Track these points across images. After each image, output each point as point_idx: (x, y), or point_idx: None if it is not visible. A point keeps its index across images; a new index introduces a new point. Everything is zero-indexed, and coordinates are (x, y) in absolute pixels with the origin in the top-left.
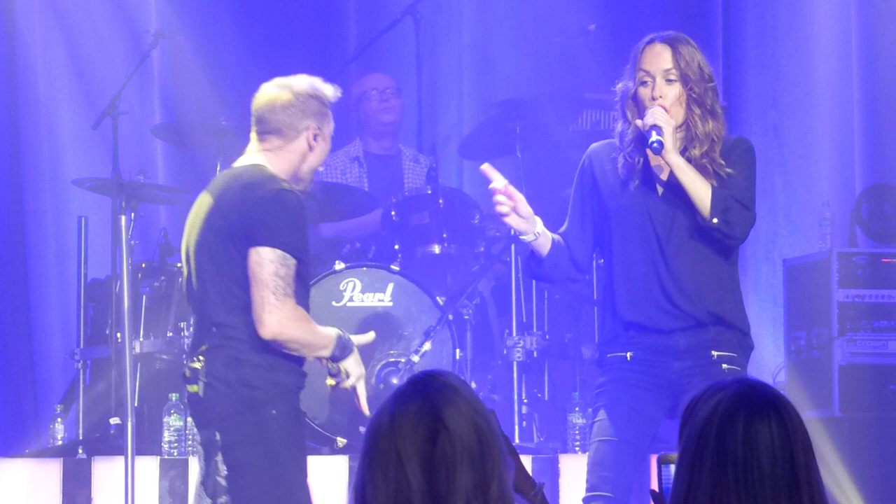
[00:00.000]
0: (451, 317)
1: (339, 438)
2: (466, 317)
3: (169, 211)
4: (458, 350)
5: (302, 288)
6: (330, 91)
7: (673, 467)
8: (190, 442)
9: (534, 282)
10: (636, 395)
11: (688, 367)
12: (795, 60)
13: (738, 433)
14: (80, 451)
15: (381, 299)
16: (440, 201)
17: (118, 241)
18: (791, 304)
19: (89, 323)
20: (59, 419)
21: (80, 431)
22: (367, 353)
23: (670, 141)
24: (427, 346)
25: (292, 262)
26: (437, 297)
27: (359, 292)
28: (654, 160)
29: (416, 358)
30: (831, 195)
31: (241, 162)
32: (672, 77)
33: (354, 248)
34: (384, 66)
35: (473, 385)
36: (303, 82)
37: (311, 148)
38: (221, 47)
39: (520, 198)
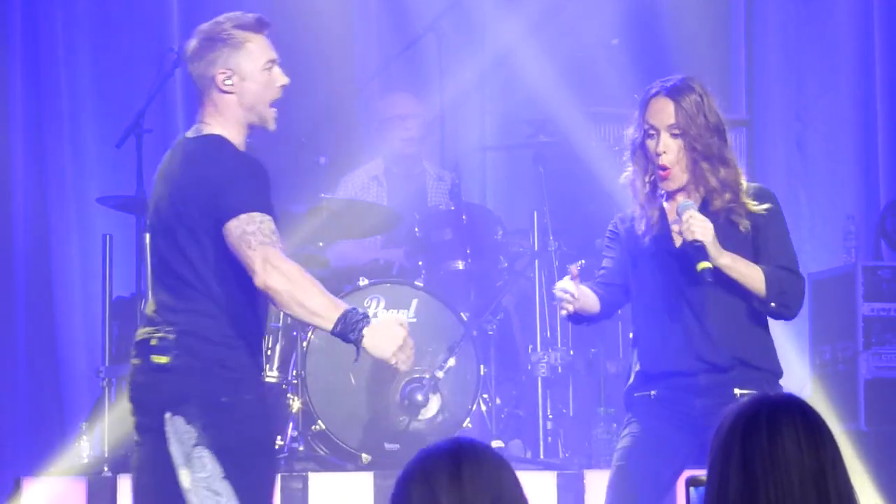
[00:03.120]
0: (475, 332)
1: (363, 455)
2: (490, 332)
3: None
4: (482, 366)
5: None
6: (237, 20)
7: (702, 488)
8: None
9: None
10: (660, 426)
11: (710, 404)
12: (819, 73)
13: (762, 428)
14: (106, 468)
15: (406, 315)
16: (463, 217)
17: (143, 258)
18: (816, 318)
19: (114, 341)
20: (84, 437)
21: (106, 449)
22: (391, 369)
23: (714, 249)
24: (451, 361)
25: None
26: (461, 313)
27: (383, 308)
28: (671, 214)
29: (440, 374)
30: (856, 209)
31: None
32: (676, 132)
33: (378, 264)
34: (407, 83)
35: (498, 401)
36: (206, 23)
37: (229, 92)
38: None
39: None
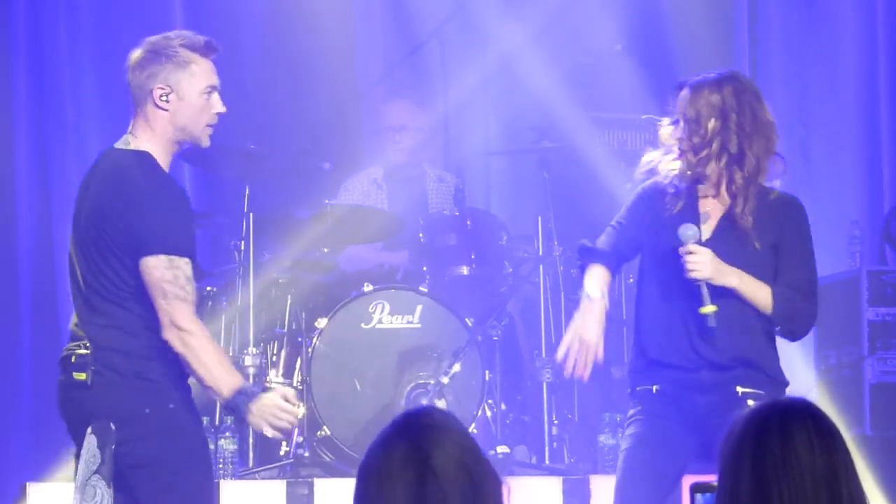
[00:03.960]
0: (479, 338)
1: None
2: (495, 338)
3: (197, 234)
4: (487, 371)
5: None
6: (187, 39)
7: (708, 495)
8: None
9: (563, 302)
10: (663, 425)
11: (713, 402)
12: (822, 78)
13: (774, 431)
14: None
15: (410, 321)
16: (468, 223)
17: None
18: (821, 322)
19: None
20: None
21: None
22: (396, 375)
23: (719, 277)
24: (456, 367)
25: None
26: (466, 319)
27: (387, 314)
28: (702, 206)
29: (445, 379)
30: (860, 213)
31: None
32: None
33: (382, 269)
34: (410, 88)
35: (503, 407)
36: (156, 36)
37: (163, 109)
38: (248, 71)
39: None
